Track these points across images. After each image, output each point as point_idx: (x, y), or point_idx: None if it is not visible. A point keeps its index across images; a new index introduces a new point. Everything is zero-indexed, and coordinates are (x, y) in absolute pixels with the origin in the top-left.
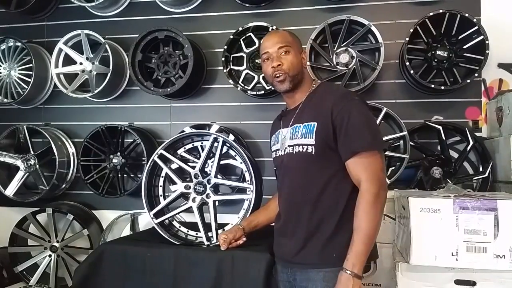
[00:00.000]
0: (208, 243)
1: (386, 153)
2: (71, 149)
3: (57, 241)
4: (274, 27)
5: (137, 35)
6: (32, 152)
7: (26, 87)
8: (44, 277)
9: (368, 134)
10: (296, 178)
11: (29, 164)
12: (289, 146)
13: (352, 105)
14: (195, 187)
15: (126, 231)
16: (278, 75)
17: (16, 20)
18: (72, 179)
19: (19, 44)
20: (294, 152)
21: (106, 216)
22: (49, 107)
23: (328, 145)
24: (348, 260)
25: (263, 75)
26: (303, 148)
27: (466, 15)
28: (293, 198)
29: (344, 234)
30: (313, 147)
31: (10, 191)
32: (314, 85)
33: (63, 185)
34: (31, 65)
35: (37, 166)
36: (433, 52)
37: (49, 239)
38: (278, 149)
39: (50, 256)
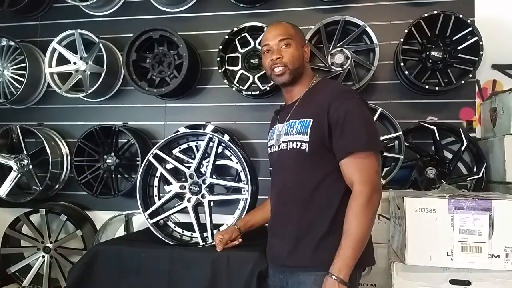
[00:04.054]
0: (203, 243)
1: None
2: (65, 149)
3: (51, 242)
4: None
5: (131, 35)
6: (25, 152)
7: (19, 86)
8: (37, 278)
9: (364, 134)
10: (289, 176)
11: (22, 165)
12: (283, 142)
13: (350, 103)
14: (190, 187)
15: (120, 232)
16: (276, 68)
17: (9, 19)
18: (65, 180)
19: (12, 43)
20: (288, 149)
21: (100, 216)
22: (42, 107)
23: (323, 143)
24: (335, 265)
25: (258, 75)
26: (297, 144)
27: (461, 16)
28: (284, 196)
29: (337, 236)
30: (307, 144)
31: (2, 191)
32: (314, 81)
33: (57, 186)
34: (24, 64)
35: (30, 166)
36: (427, 53)
37: (42, 240)
38: (273, 145)
39: (43, 257)
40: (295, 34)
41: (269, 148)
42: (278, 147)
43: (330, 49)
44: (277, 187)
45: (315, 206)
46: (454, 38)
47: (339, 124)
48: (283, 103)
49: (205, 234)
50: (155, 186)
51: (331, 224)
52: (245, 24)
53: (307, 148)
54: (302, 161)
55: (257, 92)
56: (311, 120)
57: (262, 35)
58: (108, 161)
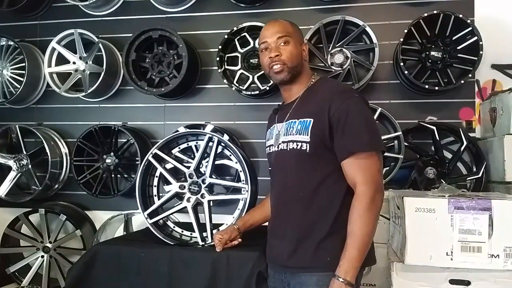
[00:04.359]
0: (203, 243)
1: None
2: (64, 149)
3: (50, 242)
4: None
5: (131, 35)
6: (25, 152)
7: (19, 86)
8: (37, 278)
9: (366, 134)
10: (289, 176)
11: (21, 164)
12: (283, 142)
13: (351, 103)
14: (190, 187)
15: (120, 232)
16: (275, 66)
17: (9, 19)
18: (65, 180)
19: (11, 43)
20: (288, 149)
21: (99, 216)
22: (41, 106)
23: (324, 144)
24: (341, 267)
25: (258, 75)
26: (297, 145)
27: (460, 16)
28: (285, 197)
29: (338, 237)
30: (307, 144)
31: (2, 191)
32: (313, 80)
33: (56, 186)
34: (23, 64)
35: (30, 166)
36: (427, 52)
37: (42, 240)
38: (272, 145)
39: (42, 257)
40: (293, 31)
41: (268, 148)
42: (278, 147)
43: (329, 49)
44: (277, 187)
45: (316, 207)
46: (454, 38)
47: (340, 124)
48: (281, 102)
49: (204, 234)
50: (155, 186)
51: (332, 225)
52: (245, 24)
53: (307, 149)
54: (303, 162)
55: (257, 92)
56: (312, 120)
57: (260, 32)
58: (108, 161)
